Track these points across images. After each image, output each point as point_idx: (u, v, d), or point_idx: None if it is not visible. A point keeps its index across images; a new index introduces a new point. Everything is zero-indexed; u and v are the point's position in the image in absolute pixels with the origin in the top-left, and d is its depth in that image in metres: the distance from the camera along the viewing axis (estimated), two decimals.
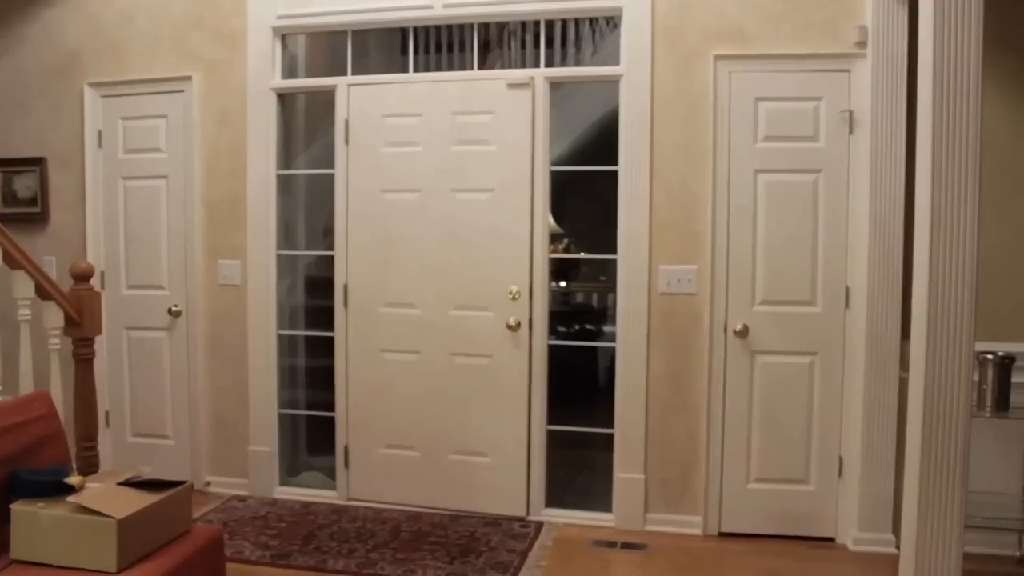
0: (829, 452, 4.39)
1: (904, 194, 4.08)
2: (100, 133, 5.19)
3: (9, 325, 3.59)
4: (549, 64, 4.83)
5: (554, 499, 4.78)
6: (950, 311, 2.90)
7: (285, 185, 5.09)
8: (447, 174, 4.71)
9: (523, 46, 5.88)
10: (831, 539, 4.37)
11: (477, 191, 4.67)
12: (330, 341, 4.98)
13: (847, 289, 4.31)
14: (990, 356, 3.77)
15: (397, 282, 4.82)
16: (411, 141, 4.75)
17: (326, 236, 5.23)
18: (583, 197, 6.07)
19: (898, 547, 3.25)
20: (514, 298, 4.62)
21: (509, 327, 4.62)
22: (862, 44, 4.18)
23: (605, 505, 4.66)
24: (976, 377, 3.54)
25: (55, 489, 2.82)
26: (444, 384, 4.77)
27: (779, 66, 4.34)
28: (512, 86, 4.60)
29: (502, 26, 5.73)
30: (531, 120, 4.59)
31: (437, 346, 4.77)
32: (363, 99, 4.82)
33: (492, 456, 4.71)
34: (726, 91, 4.37)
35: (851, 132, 4.27)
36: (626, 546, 4.33)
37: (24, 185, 5.33)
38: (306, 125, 5.40)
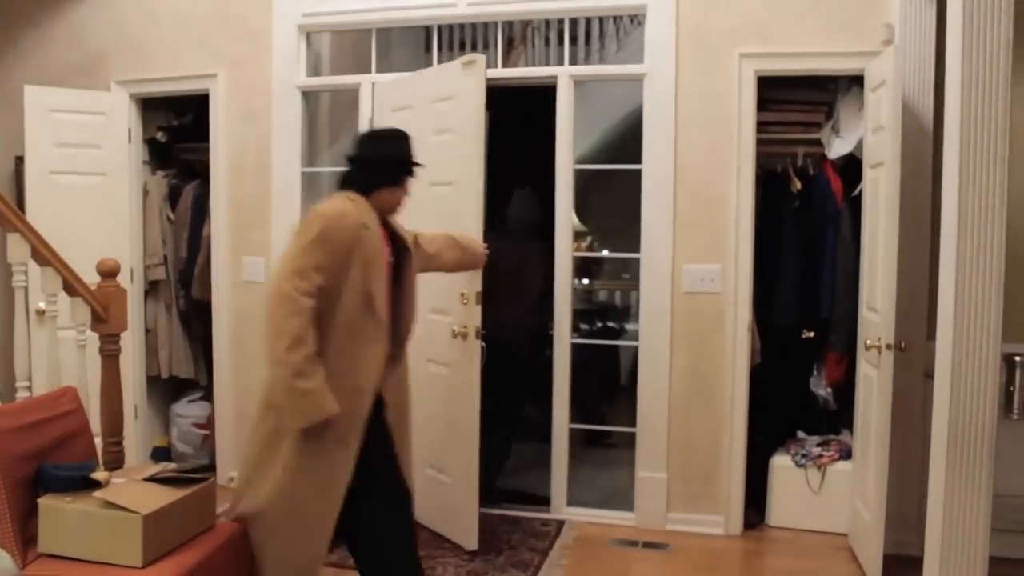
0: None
1: (931, 193, 4.03)
2: (130, 131, 5.23)
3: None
4: (573, 61, 4.81)
5: (575, 497, 4.77)
6: (977, 311, 2.87)
7: (309, 182, 5.10)
8: None
9: (547, 43, 5.86)
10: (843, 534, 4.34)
11: None
12: None
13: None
14: (1017, 358, 3.73)
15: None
16: None
17: None
18: (606, 194, 6.05)
19: (922, 549, 3.21)
20: None
21: None
22: (888, 42, 4.12)
23: (626, 504, 4.64)
24: (1003, 379, 3.51)
25: (81, 484, 2.84)
26: None
27: (804, 64, 4.31)
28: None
29: (526, 24, 5.71)
30: (555, 118, 4.57)
31: None
32: (387, 97, 4.82)
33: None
34: (751, 89, 4.35)
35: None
36: (647, 545, 4.33)
37: None
38: (330, 122, 5.42)
